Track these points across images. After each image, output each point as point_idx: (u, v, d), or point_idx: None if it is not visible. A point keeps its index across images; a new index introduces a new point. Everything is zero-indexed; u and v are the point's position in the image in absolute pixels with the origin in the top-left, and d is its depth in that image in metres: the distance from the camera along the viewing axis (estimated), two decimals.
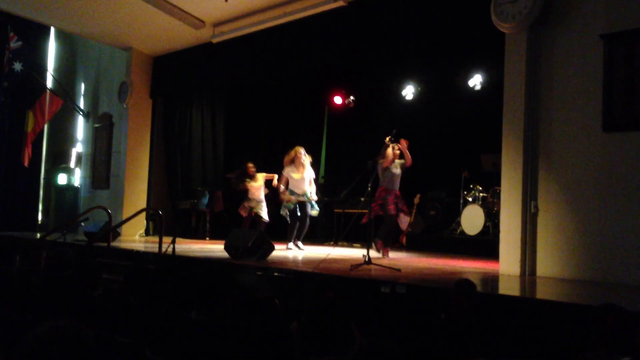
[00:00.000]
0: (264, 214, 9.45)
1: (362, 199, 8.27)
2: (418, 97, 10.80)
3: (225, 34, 9.83)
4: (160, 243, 7.43)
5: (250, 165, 9.58)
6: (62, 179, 13.28)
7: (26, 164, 12.57)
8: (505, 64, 6.40)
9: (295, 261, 7.27)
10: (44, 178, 13.88)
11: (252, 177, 9.48)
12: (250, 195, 9.46)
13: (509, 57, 6.37)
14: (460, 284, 3.97)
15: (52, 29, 13.69)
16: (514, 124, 6.24)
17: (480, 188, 9.64)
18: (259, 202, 9.46)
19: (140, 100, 11.80)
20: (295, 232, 8.71)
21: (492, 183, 9.19)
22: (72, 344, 1.73)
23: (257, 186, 9.46)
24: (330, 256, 7.31)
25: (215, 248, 8.43)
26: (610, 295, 4.88)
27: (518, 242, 6.08)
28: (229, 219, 11.13)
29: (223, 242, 7.41)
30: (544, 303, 4.38)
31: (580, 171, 5.82)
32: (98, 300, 3.90)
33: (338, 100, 11.79)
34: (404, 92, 10.90)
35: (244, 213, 9.48)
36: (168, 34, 10.52)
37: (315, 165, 10.73)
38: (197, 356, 2.35)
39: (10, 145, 12.96)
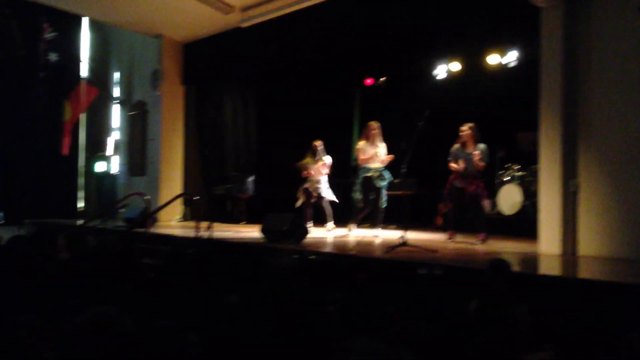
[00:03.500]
0: (326, 192, 9.18)
1: (396, 181, 8.19)
2: (451, 76, 10.64)
3: (254, 18, 9.81)
4: (197, 228, 7.52)
5: (315, 142, 9.25)
6: (100, 166, 13.53)
7: (66, 152, 12.83)
8: (541, 39, 6.24)
9: (330, 244, 7.28)
10: (83, 166, 14.17)
11: (313, 156, 9.17)
12: (310, 177, 9.26)
13: (545, 32, 6.21)
14: (495, 264, 3.88)
15: (85, 19, 13.87)
16: (551, 101, 6.10)
17: (517, 167, 9.48)
18: (318, 181, 9.20)
19: (173, 87, 11.90)
20: (361, 216, 8.46)
21: (529, 162, 9.03)
22: (113, 329, 1.77)
23: (317, 166, 9.18)
24: (366, 238, 7.32)
25: (251, 232, 8.49)
26: None
27: (558, 221, 5.96)
28: (264, 203, 11.20)
29: (258, 226, 7.46)
30: (587, 282, 4.29)
31: (622, 147, 5.66)
32: (138, 285, 3.97)
33: (369, 82, 11.69)
34: (436, 72, 10.75)
35: (302, 196, 9.29)
36: (198, 20, 10.55)
37: (347, 148, 10.70)
38: (237, 339, 2.37)
39: (48, 135, 13.24)
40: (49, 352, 1.95)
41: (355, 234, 8.25)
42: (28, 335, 2.06)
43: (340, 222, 9.28)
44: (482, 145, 7.27)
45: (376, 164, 8.27)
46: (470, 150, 7.26)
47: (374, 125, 8.41)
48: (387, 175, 8.24)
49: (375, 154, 8.29)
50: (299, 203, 9.27)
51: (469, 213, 7.43)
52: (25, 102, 12.85)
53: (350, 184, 9.64)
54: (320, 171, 9.10)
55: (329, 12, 8.83)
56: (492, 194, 9.45)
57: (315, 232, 8.37)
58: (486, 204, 7.63)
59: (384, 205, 8.32)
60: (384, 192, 8.29)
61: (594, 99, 5.87)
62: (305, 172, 9.15)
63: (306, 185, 9.18)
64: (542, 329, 3.88)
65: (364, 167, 8.32)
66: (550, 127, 6.10)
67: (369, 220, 9.07)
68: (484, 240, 7.14)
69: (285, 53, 9.79)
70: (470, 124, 7.34)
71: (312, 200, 9.16)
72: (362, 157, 8.34)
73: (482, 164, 7.18)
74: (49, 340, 2.00)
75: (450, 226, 7.49)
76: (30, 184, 13.12)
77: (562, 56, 6.01)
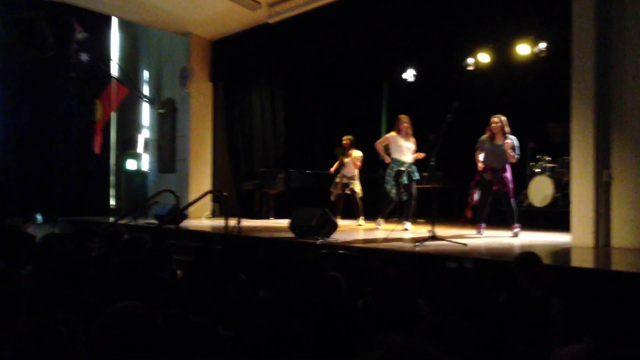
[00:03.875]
0: (358, 188, 9.21)
1: (425, 174, 8.13)
2: (480, 67, 10.52)
3: (280, 13, 9.82)
4: (226, 224, 7.58)
5: (345, 138, 9.28)
6: (131, 164, 13.73)
7: (98, 151, 13.05)
8: (573, 27, 6.10)
9: (359, 238, 7.27)
10: (114, 164, 14.40)
11: (345, 151, 9.21)
12: (342, 171, 9.27)
13: (577, 20, 6.06)
14: (523, 258, 3.71)
15: (115, 19, 14.07)
16: (583, 90, 5.97)
17: (548, 158, 9.33)
18: (350, 177, 9.22)
19: (201, 85, 12.01)
20: (389, 210, 8.49)
21: (560, 153, 8.87)
22: (140, 325, 1.79)
23: (349, 161, 9.18)
24: (395, 232, 7.29)
25: (280, 227, 8.53)
26: None
27: (591, 213, 5.85)
28: (292, 198, 11.24)
29: (287, 221, 7.49)
30: (621, 275, 4.21)
31: None
32: (170, 280, 4.02)
33: (398, 75, 11.63)
34: (465, 63, 10.63)
35: (334, 190, 9.31)
36: (225, 17, 10.61)
37: (375, 141, 10.65)
38: (266, 333, 2.39)
39: (81, 134, 13.48)
40: (84, 348, 1.99)
41: (384, 228, 8.22)
42: (65, 330, 2.10)
43: (370, 216, 9.27)
44: (511, 137, 7.15)
45: (409, 158, 8.22)
46: (499, 142, 7.15)
47: (406, 118, 8.35)
48: (416, 172, 8.24)
49: (407, 147, 8.24)
50: (333, 197, 9.29)
51: (499, 206, 7.33)
52: (57, 102, 13.10)
53: (377, 178, 9.60)
54: (353, 166, 9.10)
55: (356, 6, 8.79)
56: (524, 185, 9.32)
57: (345, 227, 8.39)
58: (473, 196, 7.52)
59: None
60: (414, 188, 8.24)
61: (628, 86, 5.72)
62: (337, 164, 9.17)
63: (337, 179, 9.20)
64: (576, 321, 3.82)
65: (397, 160, 8.26)
66: (582, 116, 5.98)
67: (396, 214, 9.04)
68: (517, 233, 7.04)
69: (313, 48, 9.79)
70: (501, 116, 7.22)
71: (344, 194, 9.17)
72: (393, 148, 8.28)
73: (513, 155, 7.04)
74: (84, 336, 2.04)
75: (480, 219, 7.40)
76: (63, 182, 13.38)
77: (594, 41, 5.87)
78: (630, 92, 5.70)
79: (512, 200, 7.21)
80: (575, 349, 2.84)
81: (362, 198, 9.21)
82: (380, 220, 8.47)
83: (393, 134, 8.36)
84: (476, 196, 7.46)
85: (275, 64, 10.99)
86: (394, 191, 8.26)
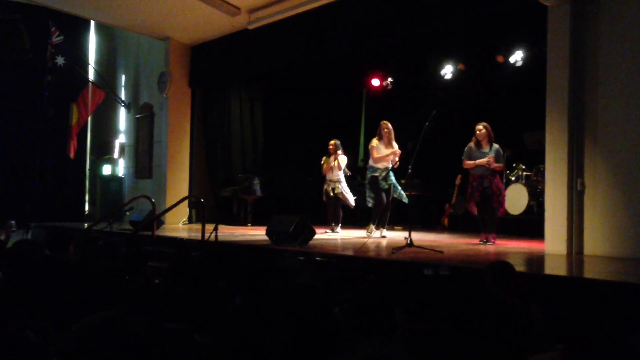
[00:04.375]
0: (347, 194, 9.08)
1: (403, 181, 8.17)
2: (457, 76, 10.64)
3: (260, 19, 9.83)
4: (203, 230, 7.53)
5: (331, 142, 9.19)
6: (106, 169, 13.59)
7: (72, 155, 12.88)
8: (548, 39, 6.21)
9: (336, 245, 7.28)
10: (89, 169, 14.23)
11: (330, 155, 9.11)
12: (328, 177, 9.17)
13: (552, 31, 6.18)
14: (496, 267, 3.64)
15: (92, 22, 13.94)
16: (558, 100, 6.07)
17: (524, 167, 9.45)
18: (336, 181, 9.08)
19: (180, 90, 11.93)
20: (378, 217, 8.31)
21: (536, 161, 9.00)
22: (118, 333, 1.77)
23: (335, 165, 9.06)
24: (371, 239, 7.31)
25: (257, 234, 8.50)
26: None
27: (564, 221, 5.94)
28: (270, 204, 11.22)
29: (264, 228, 7.47)
30: (593, 282, 4.28)
31: (628, 147, 5.63)
32: (145, 287, 3.98)
33: (376, 82, 11.71)
34: (443, 72, 10.74)
35: (325, 197, 9.24)
36: (205, 22, 10.58)
37: (354, 148, 10.70)
38: (242, 340, 2.38)
39: (55, 138, 13.30)
40: (55, 355, 1.96)
41: (376, 235, 8.16)
42: (34, 336, 2.07)
43: (350, 223, 9.26)
44: (496, 146, 7.24)
45: (386, 164, 8.24)
46: (485, 150, 7.23)
47: (386, 124, 8.35)
48: (392, 176, 8.20)
49: (387, 154, 8.22)
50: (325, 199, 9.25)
51: (484, 213, 7.36)
52: (32, 106, 12.92)
53: (358, 185, 9.60)
54: (337, 170, 9.05)
55: (335, 13, 8.83)
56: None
57: (322, 234, 8.39)
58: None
59: (406, 202, 8.23)
60: (402, 193, 8.25)
61: (601, 99, 5.85)
62: (323, 170, 9.16)
63: (325, 185, 9.16)
64: (550, 329, 3.87)
65: (372, 167, 8.29)
66: (556, 126, 6.08)
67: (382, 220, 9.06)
68: (493, 241, 7.11)
69: (292, 54, 9.80)
70: (485, 124, 7.30)
71: (334, 199, 9.12)
72: (375, 155, 8.26)
73: (497, 164, 7.15)
74: (55, 342, 2.01)
75: (482, 229, 7.40)
76: (36, 187, 13.18)
77: (569, 55, 5.98)
78: (603, 104, 5.82)
79: (500, 209, 7.24)
80: (549, 357, 2.87)
81: (346, 206, 9.15)
82: (371, 227, 8.36)
83: (376, 140, 8.38)
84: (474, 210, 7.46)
85: (254, 70, 10.98)
86: (373, 197, 8.27)
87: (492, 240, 7.12)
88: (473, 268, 5.00)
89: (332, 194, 9.05)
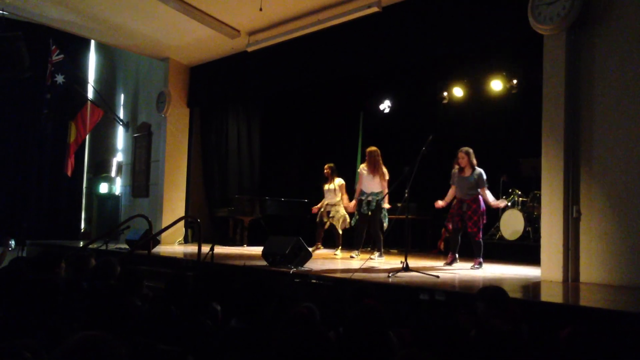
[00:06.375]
0: (339, 221, 9.02)
1: (399, 205, 8.21)
2: (455, 101, 10.73)
3: (260, 42, 9.92)
4: (199, 250, 7.51)
5: (326, 166, 9.20)
6: (103, 187, 13.58)
7: (69, 173, 12.88)
8: (544, 67, 6.29)
9: (332, 268, 7.26)
10: (86, 187, 14.22)
11: (327, 180, 9.13)
12: (327, 200, 9.16)
13: (548, 60, 6.26)
14: (489, 293, 3.60)
15: (92, 42, 14.05)
16: (553, 127, 6.13)
17: (520, 192, 9.49)
18: (332, 205, 9.09)
19: (178, 110, 12.00)
20: (362, 240, 8.47)
21: (531, 187, 9.04)
22: (101, 355, 1.75)
23: (331, 189, 9.07)
24: (368, 263, 7.30)
25: (253, 255, 8.48)
26: None
27: (560, 248, 5.95)
28: (266, 226, 11.21)
29: (260, 249, 7.46)
30: (589, 310, 4.27)
31: (624, 175, 5.67)
32: (140, 307, 3.97)
33: (373, 106, 11.78)
34: (440, 97, 10.83)
35: (318, 219, 9.24)
36: (204, 44, 10.67)
37: (351, 171, 10.73)
38: None
39: (53, 156, 13.32)
40: None
41: (358, 259, 8.19)
42: (29, 357, 2.06)
43: (349, 246, 9.23)
44: (478, 170, 7.28)
45: (373, 189, 8.35)
46: (466, 175, 7.28)
47: (370, 150, 8.47)
48: (376, 202, 8.26)
49: (373, 179, 8.35)
50: (327, 225, 9.26)
51: (458, 234, 7.42)
52: (31, 123, 12.95)
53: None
54: (334, 195, 9.08)
55: (333, 37, 8.93)
56: (496, 219, 9.45)
57: (321, 256, 8.39)
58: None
59: (384, 229, 8.31)
60: (385, 218, 8.31)
61: (596, 127, 5.90)
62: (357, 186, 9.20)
63: (322, 208, 9.16)
64: (544, 355, 3.86)
65: (361, 191, 8.47)
66: (552, 154, 6.13)
67: (370, 244, 9.05)
68: (479, 266, 7.13)
69: (290, 77, 9.88)
70: (467, 149, 7.35)
71: (325, 223, 9.14)
72: (361, 180, 8.48)
73: (482, 191, 7.19)
74: None
75: (451, 250, 7.48)
76: (34, 205, 13.15)
77: (564, 84, 6.06)
78: (598, 132, 5.87)
79: (479, 234, 7.25)
80: None
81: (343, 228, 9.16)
82: (355, 251, 8.45)
83: (363, 165, 8.54)
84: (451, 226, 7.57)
85: (252, 91, 11.05)
86: (355, 221, 8.46)
87: (477, 265, 7.14)
88: (469, 294, 5.00)
89: (326, 218, 9.08)
